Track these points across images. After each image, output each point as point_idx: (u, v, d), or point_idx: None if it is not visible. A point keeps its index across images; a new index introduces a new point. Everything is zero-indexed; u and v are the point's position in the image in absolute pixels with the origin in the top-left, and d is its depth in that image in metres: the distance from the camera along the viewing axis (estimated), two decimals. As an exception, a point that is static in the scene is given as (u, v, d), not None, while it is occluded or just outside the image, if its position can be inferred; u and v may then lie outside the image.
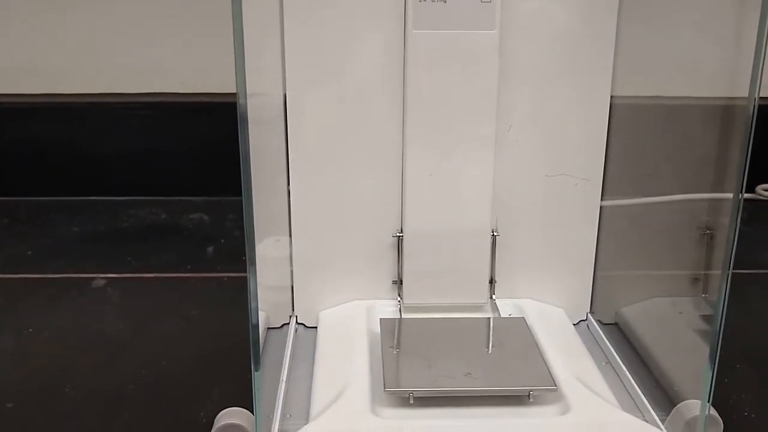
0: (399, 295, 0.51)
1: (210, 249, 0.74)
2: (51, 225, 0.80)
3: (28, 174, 0.86)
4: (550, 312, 0.52)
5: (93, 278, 0.67)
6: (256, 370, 0.41)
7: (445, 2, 0.46)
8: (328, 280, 0.52)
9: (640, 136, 0.51)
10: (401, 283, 0.51)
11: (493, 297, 0.52)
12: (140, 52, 0.86)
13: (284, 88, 0.49)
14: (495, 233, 0.51)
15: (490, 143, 0.49)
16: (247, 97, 0.38)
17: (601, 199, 0.51)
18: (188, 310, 0.62)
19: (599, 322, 0.53)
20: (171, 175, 0.87)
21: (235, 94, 0.87)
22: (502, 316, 0.50)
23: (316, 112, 0.49)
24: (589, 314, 0.53)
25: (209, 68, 0.87)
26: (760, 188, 0.86)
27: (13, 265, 0.70)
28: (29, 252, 0.73)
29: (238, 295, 0.65)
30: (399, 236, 0.50)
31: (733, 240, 0.41)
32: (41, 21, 0.85)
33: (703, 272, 0.52)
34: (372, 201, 0.51)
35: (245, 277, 0.69)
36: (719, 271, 0.48)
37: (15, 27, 0.85)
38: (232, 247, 0.75)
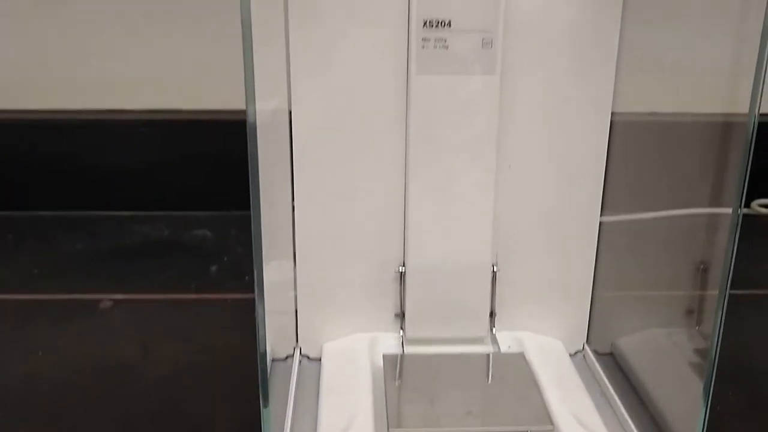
0: (401, 329, 0.53)
1: (214, 267, 0.75)
2: (56, 242, 0.81)
3: (32, 189, 0.87)
4: (548, 345, 0.54)
5: (100, 299, 0.69)
6: (265, 406, 0.42)
7: (447, 48, 0.47)
8: (332, 311, 0.54)
9: (639, 159, 0.53)
10: (403, 317, 0.52)
11: (493, 330, 0.53)
12: (143, 67, 0.87)
13: (290, 124, 0.51)
14: (495, 268, 0.52)
15: (491, 181, 0.50)
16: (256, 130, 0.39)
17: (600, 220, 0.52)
18: (194, 335, 0.64)
19: (595, 352, 0.55)
20: (175, 190, 0.88)
21: (236, 111, 0.87)
22: (501, 349, 0.52)
23: (320, 147, 0.50)
24: (585, 345, 0.55)
25: (212, 84, 0.88)
26: (755, 204, 0.88)
27: (21, 284, 0.71)
28: (35, 270, 0.74)
29: (243, 318, 0.66)
30: (401, 271, 0.52)
31: (728, 276, 0.42)
32: (41, 36, 0.86)
33: (697, 304, 0.54)
34: (375, 234, 0.52)
35: (249, 299, 0.70)
36: (713, 304, 0.50)
37: (15, 41, 0.85)
38: (236, 264, 0.76)
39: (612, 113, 0.50)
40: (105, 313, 0.67)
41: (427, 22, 0.47)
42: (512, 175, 0.51)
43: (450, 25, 0.47)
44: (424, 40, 0.47)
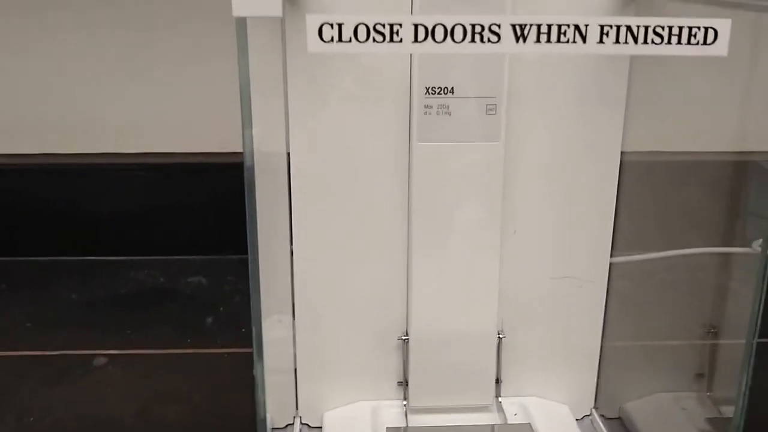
0: (405, 399, 0.51)
1: (209, 319, 0.74)
2: (50, 290, 0.79)
3: (25, 234, 0.86)
4: (555, 410, 0.52)
5: (94, 355, 0.67)
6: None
7: (450, 115, 0.46)
8: (332, 377, 0.52)
9: (648, 205, 0.52)
10: (407, 385, 0.51)
11: (499, 399, 0.52)
12: (137, 110, 0.85)
13: (289, 185, 0.49)
14: (501, 335, 0.51)
15: (496, 248, 0.49)
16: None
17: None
18: (191, 394, 0.62)
19: (603, 417, 0.53)
20: (169, 234, 0.86)
21: (230, 153, 0.86)
22: (507, 417, 0.51)
23: (320, 206, 0.49)
24: (593, 410, 0.54)
25: (207, 127, 0.86)
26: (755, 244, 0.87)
27: (12, 339, 0.70)
28: (28, 324, 0.73)
29: (241, 374, 0.65)
30: (405, 339, 0.51)
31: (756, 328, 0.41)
32: (32, 79, 0.85)
33: (707, 367, 0.53)
34: (377, 299, 0.51)
35: (246, 354, 0.69)
36: (724, 369, 0.49)
37: (7, 85, 0.84)
38: (232, 315, 0.74)
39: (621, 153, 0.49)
40: (99, 370, 0.65)
41: (430, 89, 0.46)
42: (517, 240, 0.50)
43: (453, 92, 0.46)
44: (426, 107, 0.46)
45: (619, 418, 0.54)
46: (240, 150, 0.87)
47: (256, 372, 0.40)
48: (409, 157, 0.48)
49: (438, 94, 0.46)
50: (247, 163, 0.34)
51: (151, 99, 0.86)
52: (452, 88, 0.46)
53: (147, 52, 0.84)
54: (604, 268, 0.51)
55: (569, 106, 0.48)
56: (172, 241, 0.87)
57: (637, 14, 0.45)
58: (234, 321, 0.73)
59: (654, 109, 0.49)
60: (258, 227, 0.37)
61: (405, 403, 0.51)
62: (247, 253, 0.87)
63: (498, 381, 0.52)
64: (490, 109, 0.46)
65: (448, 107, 0.46)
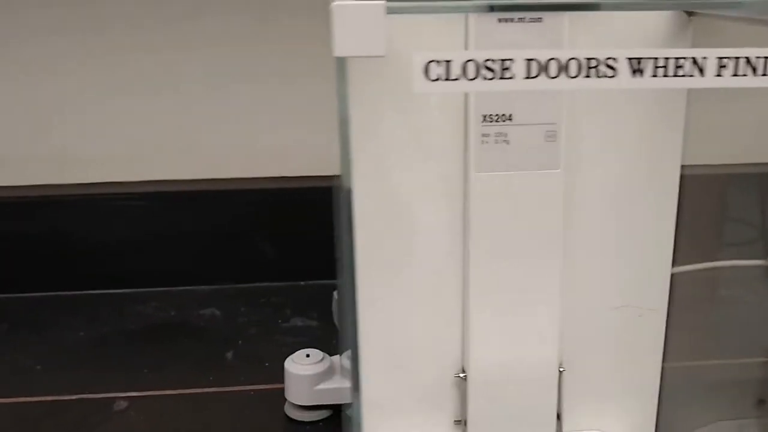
0: (463, 438, 0.49)
1: (229, 354, 0.71)
2: (55, 329, 0.76)
3: (21, 270, 0.82)
4: (615, 443, 0.51)
5: (113, 399, 0.64)
6: None
7: (508, 143, 0.44)
8: (386, 417, 0.50)
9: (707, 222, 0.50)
10: (465, 424, 0.49)
11: (561, 435, 0.50)
12: (134, 137, 0.82)
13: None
14: (561, 369, 0.49)
15: (556, 280, 0.47)
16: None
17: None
18: (223, 439, 0.59)
19: (663, 447, 0.52)
20: (173, 264, 0.83)
21: (231, 179, 0.83)
22: (570, 454, 0.49)
23: (377, 236, 0.47)
24: (653, 440, 0.52)
25: (210, 153, 0.84)
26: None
27: (24, 384, 0.66)
28: (38, 366, 0.69)
29: (271, 414, 0.62)
30: (462, 376, 0.48)
31: None
32: (26, 109, 0.81)
33: None
34: (432, 336, 0.48)
35: (271, 391, 0.66)
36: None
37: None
38: (251, 349, 0.72)
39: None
40: (121, 415, 0.62)
41: (487, 117, 0.44)
42: (576, 269, 0.48)
43: (511, 119, 0.44)
44: (483, 135, 0.44)
45: (679, 448, 0.52)
46: (238, 176, 0.84)
47: (353, 411, 0.37)
48: (464, 187, 0.45)
49: (496, 121, 0.44)
50: (345, 186, 0.31)
51: (146, 124, 0.83)
52: (510, 115, 0.44)
53: (141, 76, 0.81)
54: (665, 296, 0.49)
55: (628, 126, 0.46)
56: (177, 271, 0.84)
57: (695, 36, 0.44)
58: (255, 355, 0.71)
59: (712, 122, 0.47)
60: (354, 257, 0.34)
61: (464, 443, 0.49)
62: (254, 282, 0.84)
63: (559, 417, 0.50)
64: (550, 136, 0.44)
65: (506, 135, 0.44)
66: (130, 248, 0.82)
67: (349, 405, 0.57)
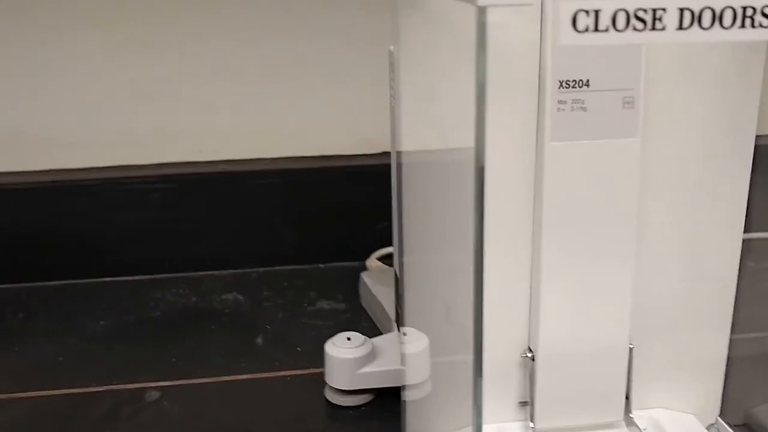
0: (531, 420, 0.47)
1: (259, 339, 0.68)
2: (74, 318, 0.72)
3: (35, 258, 0.79)
4: (683, 421, 0.49)
5: (144, 389, 0.61)
6: None
7: (585, 110, 0.42)
8: (446, 401, 0.48)
9: None
10: (533, 406, 0.47)
11: (631, 414, 0.48)
12: (151, 117, 0.79)
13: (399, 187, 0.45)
14: (631, 346, 0.47)
15: (630, 254, 0.45)
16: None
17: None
18: (266, 427, 0.57)
19: (729, 424, 0.50)
20: (190, 249, 0.80)
21: (251, 160, 0.81)
22: (639, 432, 0.47)
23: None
24: (718, 417, 0.51)
25: (228, 133, 0.81)
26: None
27: (49, 376, 0.63)
28: (60, 358, 0.66)
29: (310, 399, 0.60)
30: (529, 356, 0.47)
31: None
32: (33, 87, 0.78)
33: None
34: (497, 315, 0.46)
35: (308, 375, 0.64)
36: None
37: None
38: (281, 334, 0.69)
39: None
40: (154, 405, 0.59)
41: (564, 83, 0.42)
42: (647, 242, 0.46)
43: (588, 85, 0.42)
44: (560, 102, 0.42)
45: (745, 425, 0.51)
46: (253, 157, 0.81)
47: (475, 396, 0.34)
48: (537, 158, 0.43)
49: (573, 87, 0.42)
50: (479, 164, 0.29)
51: (165, 103, 0.80)
52: (587, 80, 0.42)
53: (155, 51, 0.78)
54: (734, 268, 0.47)
55: (703, 92, 0.44)
56: (195, 256, 0.81)
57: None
58: (285, 340, 0.68)
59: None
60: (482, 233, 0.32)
61: (532, 425, 0.47)
62: (274, 265, 0.81)
63: (628, 396, 0.48)
64: (628, 102, 0.42)
65: (583, 102, 0.42)
66: (146, 233, 0.79)
67: (402, 388, 0.55)
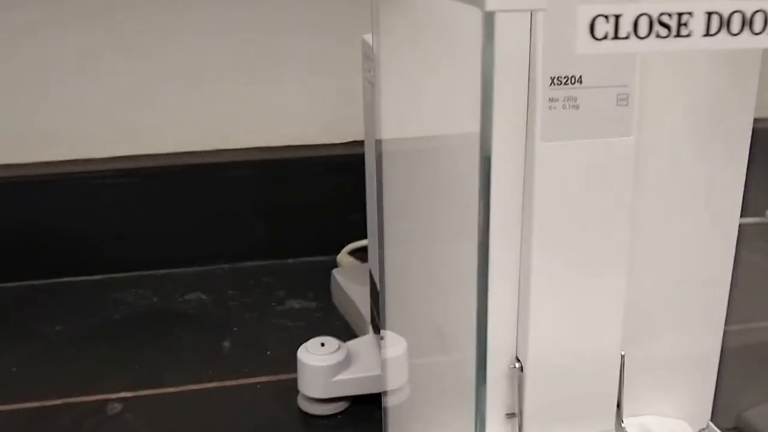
0: (519, 431, 0.45)
1: (226, 343, 0.65)
2: (32, 322, 0.68)
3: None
4: (674, 427, 0.47)
5: (105, 401, 0.58)
6: None
7: (578, 108, 0.40)
8: (437, 411, 0.45)
9: None
10: (521, 416, 0.45)
11: (623, 424, 0.46)
12: (111, 109, 0.75)
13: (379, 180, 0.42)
14: (622, 353, 0.45)
15: (623, 259, 0.43)
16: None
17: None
18: (236, 440, 0.54)
19: (720, 428, 0.48)
20: (149, 246, 0.77)
21: (215, 152, 0.77)
22: (631, 443, 0.45)
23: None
24: (709, 422, 0.49)
25: (191, 123, 0.77)
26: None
27: (2, 389, 0.59)
28: (13, 369, 0.62)
29: (282, 409, 0.57)
30: (517, 366, 0.44)
31: None
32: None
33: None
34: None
35: (279, 383, 0.61)
36: None
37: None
38: (249, 337, 0.66)
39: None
40: (116, 418, 0.56)
41: (555, 79, 0.39)
42: (641, 243, 0.44)
43: (581, 81, 0.39)
44: (551, 100, 0.39)
45: (735, 428, 0.49)
46: (215, 148, 0.77)
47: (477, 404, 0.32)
48: (526, 159, 0.41)
49: (565, 84, 0.39)
50: (484, 153, 0.26)
51: (116, 96, 0.76)
52: (580, 77, 0.39)
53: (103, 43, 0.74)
54: (728, 269, 0.45)
55: (698, 83, 0.42)
56: (151, 253, 0.77)
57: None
58: (254, 343, 0.65)
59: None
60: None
61: (520, 438, 0.45)
62: (246, 261, 0.78)
63: (619, 405, 0.46)
64: (622, 99, 0.40)
65: (575, 99, 0.39)
66: (104, 230, 0.75)
67: (382, 395, 0.52)
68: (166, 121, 0.76)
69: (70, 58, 0.72)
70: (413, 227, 0.46)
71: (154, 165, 0.75)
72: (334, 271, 0.71)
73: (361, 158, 0.78)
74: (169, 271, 0.76)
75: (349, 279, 0.69)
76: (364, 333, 0.62)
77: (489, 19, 0.23)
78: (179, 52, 0.74)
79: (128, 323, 0.68)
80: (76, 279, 0.75)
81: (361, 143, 0.80)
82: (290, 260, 0.79)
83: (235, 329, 0.67)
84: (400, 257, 0.49)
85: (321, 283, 0.73)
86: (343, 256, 0.75)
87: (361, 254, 0.76)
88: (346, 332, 0.66)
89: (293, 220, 0.78)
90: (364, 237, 0.78)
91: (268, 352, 0.64)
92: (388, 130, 0.46)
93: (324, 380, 0.55)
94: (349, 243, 0.77)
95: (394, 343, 0.50)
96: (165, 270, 0.76)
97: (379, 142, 0.47)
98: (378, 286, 0.53)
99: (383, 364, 0.52)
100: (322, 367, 0.54)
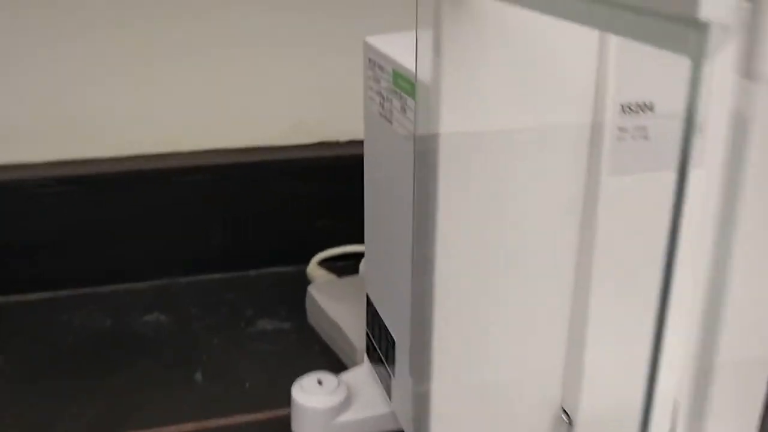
0: (566, 490, 0.41)
1: (197, 375, 0.59)
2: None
3: None
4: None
5: (65, 452, 0.50)
6: None
7: (647, 139, 0.35)
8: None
9: None
10: (567, 473, 0.41)
11: (672, 476, 0.42)
12: (54, 106, 0.66)
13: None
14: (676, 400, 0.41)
15: (687, 301, 0.38)
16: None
17: None
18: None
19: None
20: (99, 259, 0.69)
21: (170, 155, 0.70)
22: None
23: (466, 255, 0.37)
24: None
25: (143, 123, 0.69)
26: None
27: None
28: (-48, 413, 0.54)
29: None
30: (565, 419, 0.40)
31: None
32: None
33: None
34: (528, 369, 0.39)
35: (267, 422, 0.55)
36: None
37: None
38: (222, 366, 0.60)
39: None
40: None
41: (626, 107, 0.34)
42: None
43: (653, 110, 0.35)
44: (620, 130, 0.35)
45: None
46: (171, 151, 0.70)
47: None
48: (587, 192, 0.36)
49: (636, 112, 0.34)
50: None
51: (57, 94, 0.67)
52: (652, 104, 0.35)
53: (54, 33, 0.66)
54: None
55: None
56: (103, 267, 0.69)
57: None
58: (228, 374, 0.59)
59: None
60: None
61: (567, 497, 0.41)
62: (205, 274, 0.71)
63: (667, 455, 0.42)
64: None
65: (645, 129, 0.35)
66: (46, 242, 0.67)
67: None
68: (114, 121, 0.68)
69: None
70: (495, 242, 0.38)
71: (103, 170, 0.67)
72: (310, 288, 0.65)
73: (330, 161, 0.72)
74: (121, 286, 0.69)
75: (327, 297, 0.63)
76: (353, 360, 0.57)
77: (702, 34, 0.18)
78: (129, 41, 0.66)
79: (79, 353, 0.60)
80: (15, 298, 0.66)
81: (330, 144, 0.74)
82: (252, 272, 0.72)
83: (204, 357, 0.60)
84: (465, 282, 0.40)
85: (291, 298, 0.67)
86: (314, 268, 0.69)
87: (331, 264, 0.71)
88: (328, 357, 0.60)
89: (255, 228, 0.71)
90: (333, 245, 0.73)
91: (247, 384, 0.58)
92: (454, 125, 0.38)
93: (324, 423, 0.49)
94: (317, 252, 0.72)
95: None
96: (117, 285, 0.69)
97: (432, 138, 0.38)
98: (382, 312, 0.48)
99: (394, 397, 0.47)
100: (321, 409, 0.49)
